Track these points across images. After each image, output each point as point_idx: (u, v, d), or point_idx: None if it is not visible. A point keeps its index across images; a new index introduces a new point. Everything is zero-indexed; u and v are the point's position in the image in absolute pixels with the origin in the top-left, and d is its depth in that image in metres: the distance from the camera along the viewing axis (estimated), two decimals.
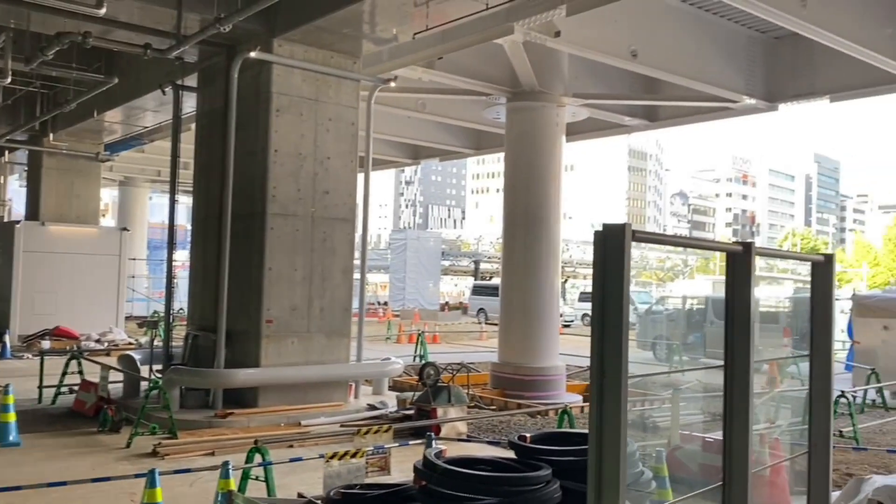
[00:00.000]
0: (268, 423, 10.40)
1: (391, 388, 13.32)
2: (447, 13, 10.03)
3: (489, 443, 8.53)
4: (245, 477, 6.32)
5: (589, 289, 40.85)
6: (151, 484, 5.26)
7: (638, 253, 65.32)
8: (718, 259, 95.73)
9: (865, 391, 13.20)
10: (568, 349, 17.04)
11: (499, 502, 4.86)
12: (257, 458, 6.37)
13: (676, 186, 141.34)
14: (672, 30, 12.66)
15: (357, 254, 12.64)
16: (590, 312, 32.23)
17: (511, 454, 8.00)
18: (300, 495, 5.65)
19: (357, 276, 12.89)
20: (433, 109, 17.25)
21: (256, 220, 11.18)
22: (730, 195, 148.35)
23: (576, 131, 17.17)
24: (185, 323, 13.73)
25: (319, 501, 5.72)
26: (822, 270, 5.45)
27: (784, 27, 11.52)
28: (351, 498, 5.52)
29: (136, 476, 5.55)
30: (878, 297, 15.88)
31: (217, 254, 11.42)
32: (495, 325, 34.72)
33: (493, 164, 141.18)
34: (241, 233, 11.35)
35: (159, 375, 11.50)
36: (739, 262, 4.52)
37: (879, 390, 13.43)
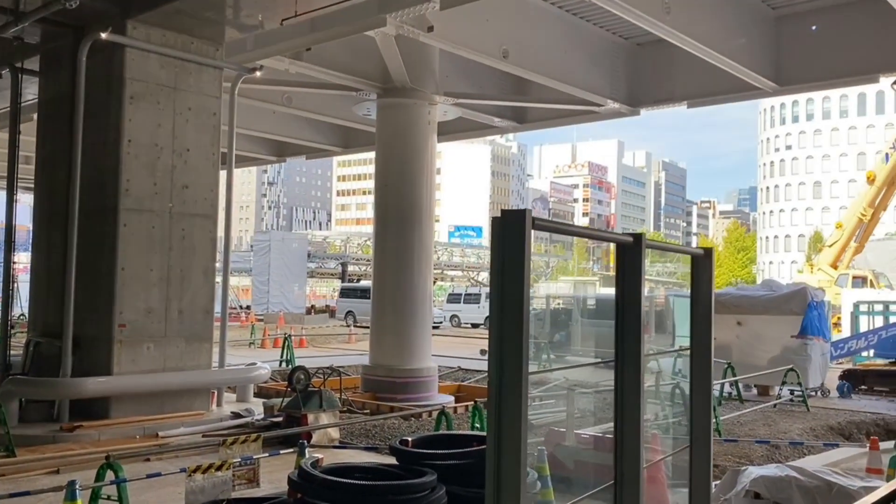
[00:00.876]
0: (121, 435, 9.58)
1: (257, 395, 12.68)
2: (317, 1, 9.62)
3: (366, 448, 8.15)
4: (95, 497, 5.67)
5: (457, 290, 41.19)
6: None
7: None
8: (576, 260, 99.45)
9: (722, 385, 13.81)
10: (438, 350, 16.92)
11: None
12: (109, 476, 5.73)
13: (537, 192, 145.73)
14: (543, 32, 12.77)
15: (219, 254, 11.93)
16: (458, 314, 32.58)
17: (391, 460, 7.71)
18: None
19: (219, 277, 12.19)
20: (300, 104, 16.65)
21: (108, 217, 10.30)
22: (587, 200, 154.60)
23: (446, 131, 17.08)
24: (25, 330, 12.53)
25: None
26: (703, 264, 5.47)
27: (648, 33, 11.87)
28: None
29: None
30: (732, 294, 16.72)
31: (63, 253, 10.43)
32: (365, 327, 34.44)
33: (359, 166, 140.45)
34: (91, 230, 10.42)
35: None
36: (630, 253, 4.41)
37: (735, 384, 14.09)
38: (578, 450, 7.30)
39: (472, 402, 8.97)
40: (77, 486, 5.12)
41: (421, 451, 5.40)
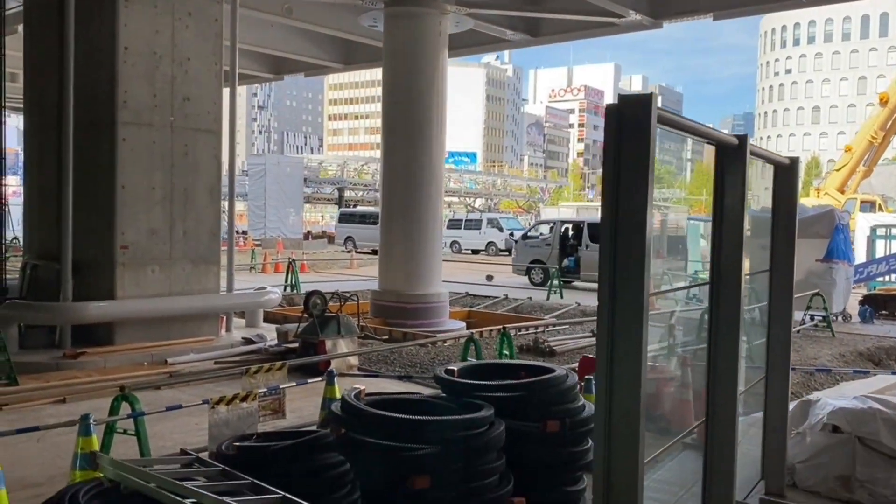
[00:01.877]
0: (128, 362, 9.08)
1: (265, 321, 12.19)
2: None
3: (398, 378, 7.66)
4: (110, 431, 5.17)
5: (457, 216, 40.53)
6: None
7: (499, 180, 65.79)
8: (572, 188, 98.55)
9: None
10: (444, 276, 16.42)
11: (436, 451, 4.04)
12: (124, 408, 5.22)
13: (533, 117, 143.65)
14: None
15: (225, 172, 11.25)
16: (459, 240, 31.98)
17: (424, 390, 7.22)
18: (183, 451, 4.62)
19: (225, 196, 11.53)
20: (301, 15, 15.64)
21: (104, 131, 9.56)
22: (582, 126, 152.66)
23: (456, 45, 16.12)
24: (20, 254, 11.91)
25: (208, 457, 4.69)
26: (786, 174, 4.88)
27: None
28: (251, 452, 4.53)
29: None
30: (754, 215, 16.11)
31: (58, 171, 9.72)
32: (365, 253, 33.99)
33: (351, 90, 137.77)
34: (86, 146, 9.69)
35: None
36: (732, 157, 3.80)
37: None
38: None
39: (500, 329, 8.48)
40: (91, 421, 4.60)
41: (472, 381, 4.88)
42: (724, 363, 3.79)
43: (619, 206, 2.71)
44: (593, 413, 5.02)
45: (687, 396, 3.90)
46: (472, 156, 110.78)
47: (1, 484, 4.10)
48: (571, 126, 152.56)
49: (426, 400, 4.76)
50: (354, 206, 48.51)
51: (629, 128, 2.64)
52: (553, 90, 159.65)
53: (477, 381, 4.88)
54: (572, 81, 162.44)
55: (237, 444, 4.72)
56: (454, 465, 4.01)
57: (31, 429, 4.80)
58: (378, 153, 19.06)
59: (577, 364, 8.71)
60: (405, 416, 4.10)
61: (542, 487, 4.70)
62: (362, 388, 4.69)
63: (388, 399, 4.62)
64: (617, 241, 2.70)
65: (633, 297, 2.67)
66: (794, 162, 4.85)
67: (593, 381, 6.17)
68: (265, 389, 5.69)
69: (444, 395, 4.90)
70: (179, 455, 4.54)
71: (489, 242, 37.07)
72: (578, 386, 5.08)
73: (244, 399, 5.48)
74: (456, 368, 5.16)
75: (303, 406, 7.15)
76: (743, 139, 3.74)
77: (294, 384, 6.11)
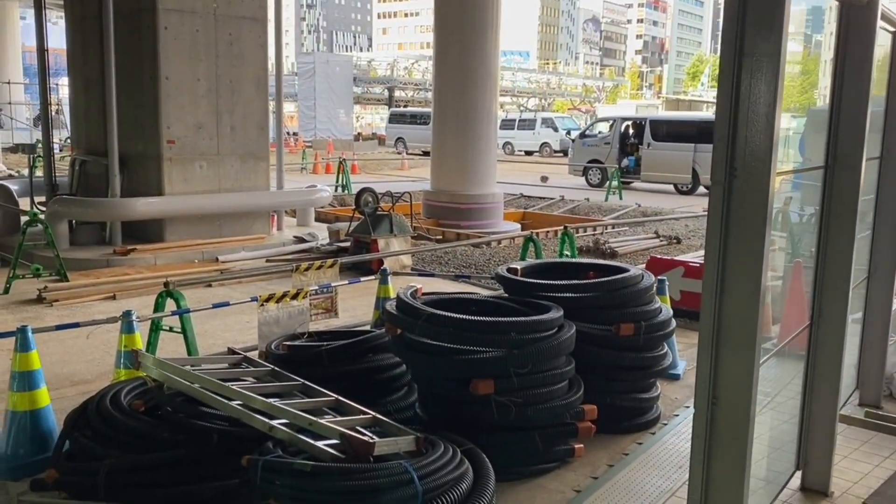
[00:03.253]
0: (179, 259, 8.93)
1: (317, 220, 11.93)
2: None
3: (455, 277, 7.28)
4: (156, 329, 4.94)
5: (510, 117, 39.41)
6: (24, 347, 3.81)
7: (553, 78, 63.74)
8: (629, 87, 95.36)
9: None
10: (497, 176, 15.88)
11: (501, 354, 3.68)
12: (169, 305, 4.97)
13: (589, 12, 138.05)
14: None
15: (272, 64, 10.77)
16: (512, 141, 31.06)
17: (482, 291, 6.86)
18: (231, 350, 4.37)
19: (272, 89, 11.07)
20: None
21: (145, 18, 9.12)
22: (641, 21, 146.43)
23: None
24: (71, 152, 11.74)
25: (257, 356, 4.44)
26: None
27: None
28: (302, 352, 4.25)
29: (6, 335, 4.09)
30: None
31: (101, 62, 9.37)
32: (416, 154, 33.43)
33: None
34: (128, 35, 9.28)
35: (42, 208, 9.72)
36: (857, 18, 3.19)
37: None
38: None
39: (562, 228, 8.01)
40: (134, 318, 4.35)
41: (538, 281, 4.48)
42: (835, 259, 3.31)
43: (741, 88, 2.20)
44: (670, 315, 4.63)
45: (797, 297, 3.45)
46: (526, 54, 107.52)
47: (41, 382, 3.90)
48: (629, 22, 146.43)
49: (488, 300, 4.38)
50: (405, 106, 47.58)
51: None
52: None
53: (544, 281, 4.48)
54: None
55: (287, 343, 4.46)
56: (520, 369, 3.65)
57: (72, 325, 4.57)
58: (429, 52, 18.28)
59: (643, 265, 8.27)
60: (467, 318, 3.73)
61: (614, 394, 4.34)
62: (419, 286, 4.33)
63: (448, 299, 4.26)
64: (737, 126, 2.21)
65: (756, 176, 2.18)
66: None
67: (666, 282, 5.73)
68: (317, 287, 5.39)
69: (506, 295, 4.52)
70: (227, 354, 4.29)
71: (543, 143, 35.99)
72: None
73: (294, 297, 5.20)
74: (519, 267, 4.76)
75: (356, 305, 6.89)
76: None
77: (346, 283, 5.80)
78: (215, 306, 5.21)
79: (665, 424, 4.57)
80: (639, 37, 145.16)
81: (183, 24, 9.17)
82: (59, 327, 4.49)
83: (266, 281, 7.94)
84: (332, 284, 5.47)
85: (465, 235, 11.89)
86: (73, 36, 10.47)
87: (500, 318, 3.81)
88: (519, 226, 13.99)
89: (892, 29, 3.96)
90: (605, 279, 4.47)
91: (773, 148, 2.26)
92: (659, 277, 5.64)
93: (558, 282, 4.49)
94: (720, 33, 2.28)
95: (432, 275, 7.16)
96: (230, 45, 9.59)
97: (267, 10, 10.09)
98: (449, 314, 3.74)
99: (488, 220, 13.38)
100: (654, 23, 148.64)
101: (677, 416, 4.73)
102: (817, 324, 3.39)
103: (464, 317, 3.74)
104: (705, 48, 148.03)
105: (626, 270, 4.60)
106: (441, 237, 11.56)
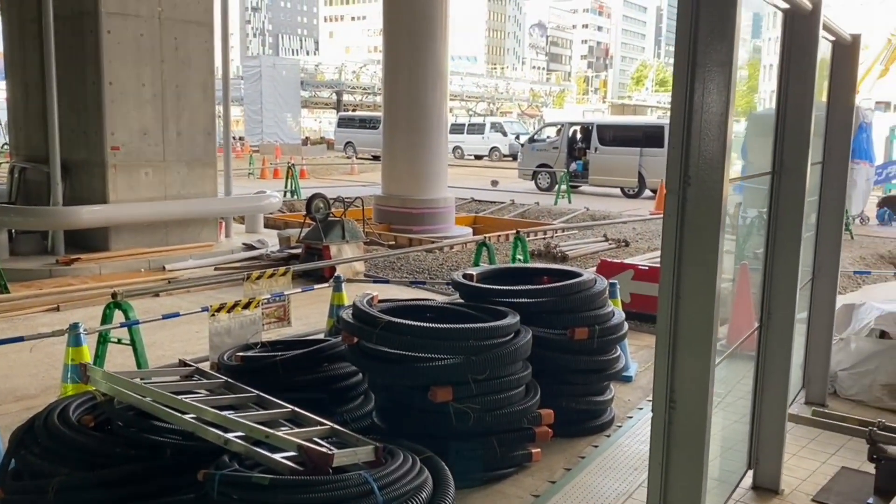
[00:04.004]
0: (125, 269, 8.73)
1: (266, 227, 11.79)
2: None
3: (410, 283, 7.25)
4: (103, 341, 4.82)
5: (459, 121, 39.49)
6: None
7: (502, 83, 64.15)
8: (576, 91, 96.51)
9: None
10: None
11: (459, 361, 3.68)
12: (117, 317, 4.85)
13: (535, 17, 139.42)
14: None
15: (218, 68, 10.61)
16: (461, 145, 31.11)
17: (437, 297, 6.86)
18: (182, 362, 4.28)
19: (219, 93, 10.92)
20: None
21: (87, 22, 8.90)
22: (586, 27, 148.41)
23: None
24: (10, 159, 11.39)
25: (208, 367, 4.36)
26: (846, 54, 4.34)
27: None
28: (256, 363, 4.19)
29: None
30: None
31: (41, 67, 9.13)
32: (365, 159, 33.25)
33: None
34: (70, 39, 9.06)
35: None
36: (801, 28, 3.28)
37: None
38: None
39: (515, 233, 8.06)
40: (81, 331, 4.23)
41: (494, 287, 4.50)
42: (783, 262, 3.39)
43: (694, 98, 2.25)
44: (622, 319, 4.69)
45: (743, 299, 3.53)
46: (474, 59, 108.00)
47: None
48: (575, 27, 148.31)
49: (445, 306, 4.39)
50: (353, 110, 47.34)
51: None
52: None
53: (499, 287, 4.50)
54: None
55: (240, 353, 4.39)
56: (479, 375, 3.66)
57: (16, 339, 4.43)
58: (376, 56, 18.18)
59: (594, 269, 8.37)
60: (425, 325, 3.72)
61: (569, 398, 4.38)
62: (374, 294, 4.31)
63: (404, 306, 4.25)
64: (691, 135, 2.25)
65: (709, 183, 2.23)
66: (857, 40, 4.31)
67: (617, 286, 5.81)
68: (269, 296, 5.33)
69: (462, 301, 4.53)
70: (179, 367, 4.20)
71: (493, 147, 36.18)
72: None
73: (246, 306, 5.12)
74: (475, 273, 4.77)
75: (309, 314, 6.82)
76: (817, 4, 3.21)
77: (300, 290, 5.74)
78: (165, 317, 5.11)
79: (619, 427, 4.63)
80: (584, 42, 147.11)
81: (127, 28, 8.99)
82: (1, 342, 4.34)
83: (216, 290, 7.81)
84: (285, 293, 5.41)
85: (417, 240, 11.88)
86: (11, 39, 10.17)
87: (457, 325, 3.81)
88: (471, 230, 14.04)
89: (831, 38, 4.08)
90: (560, 284, 4.51)
91: (725, 156, 2.31)
92: (610, 281, 5.72)
93: (513, 287, 4.51)
94: (674, 45, 2.32)
95: (387, 281, 7.13)
96: (176, 49, 9.43)
97: (213, 14, 9.95)
98: (406, 322, 3.73)
99: (440, 224, 13.40)
100: (599, 28, 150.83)
101: (631, 417, 4.80)
102: (766, 326, 3.47)
103: (421, 324, 3.74)
104: (648, 54, 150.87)
105: (579, 275, 4.65)
106: (393, 242, 11.53)
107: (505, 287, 4.52)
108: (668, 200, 2.32)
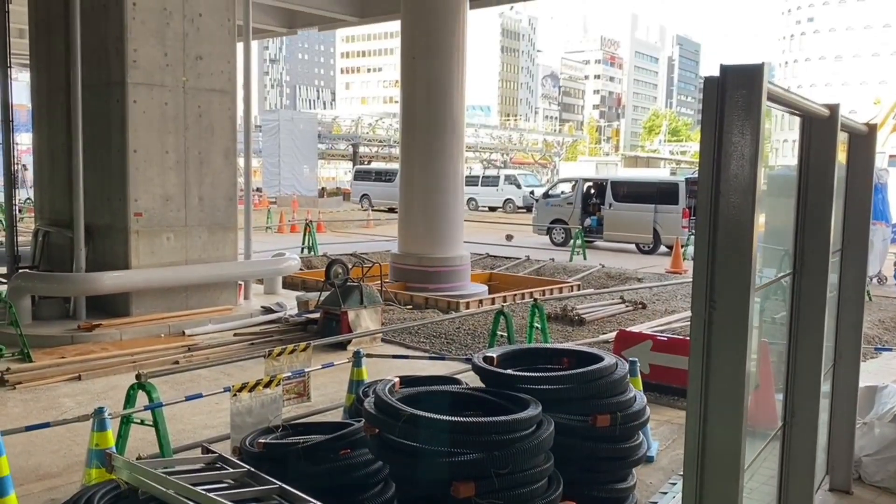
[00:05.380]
0: (145, 334, 8.80)
1: (284, 286, 11.87)
2: None
3: (430, 357, 7.28)
4: (126, 422, 4.85)
5: (474, 173, 39.86)
6: None
7: (506, 133, 64.66)
8: (588, 141, 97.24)
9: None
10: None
11: (482, 456, 3.69)
12: (141, 396, 4.89)
13: (548, 68, 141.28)
14: None
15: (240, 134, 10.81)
16: (476, 197, 31.36)
17: (456, 367, 6.86)
18: (206, 449, 4.30)
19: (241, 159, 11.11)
20: None
21: (114, 92, 9.13)
22: (598, 77, 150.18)
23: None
24: (32, 215, 11.56)
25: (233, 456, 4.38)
26: (863, 143, 4.40)
27: None
28: (277, 450, 4.20)
29: None
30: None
31: (67, 133, 9.35)
32: (381, 211, 33.55)
33: (364, 42, 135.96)
34: (97, 108, 9.28)
35: (3, 281, 9.56)
36: (820, 131, 3.34)
37: None
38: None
39: (532, 300, 8.08)
40: (106, 415, 4.27)
41: (516, 373, 4.52)
42: (806, 358, 3.40)
43: (721, 183, 2.29)
44: (644, 404, 4.68)
45: (771, 393, 3.52)
46: (487, 109, 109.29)
47: (10, 488, 3.80)
48: (587, 78, 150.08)
49: (466, 392, 4.40)
50: (369, 162, 47.83)
51: (733, 104, 2.21)
52: (568, 40, 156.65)
53: (521, 373, 4.52)
54: (587, 31, 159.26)
55: (262, 440, 4.40)
56: (501, 470, 3.66)
57: (42, 425, 4.47)
58: (392, 108, 18.48)
59: (612, 335, 8.36)
60: (447, 418, 3.73)
61: (591, 486, 4.35)
62: (396, 379, 4.33)
63: (426, 392, 4.26)
64: (717, 234, 2.29)
65: (737, 294, 2.27)
66: (873, 129, 4.37)
67: (637, 364, 5.80)
68: (290, 374, 5.36)
69: (483, 386, 4.54)
70: (203, 455, 4.22)
71: (507, 199, 36.45)
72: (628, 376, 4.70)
73: (267, 385, 5.16)
74: (495, 356, 4.79)
75: (326, 383, 6.84)
76: (834, 110, 3.28)
77: (320, 367, 5.76)
78: (188, 398, 5.14)
79: None
80: (596, 92, 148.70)
81: (152, 97, 9.21)
82: (28, 428, 4.39)
83: (232, 354, 7.85)
84: (305, 370, 5.45)
85: (433, 299, 11.93)
86: (39, 106, 10.44)
87: (479, 420, 3.82)
88: (486, 288, 14.06)
89: (847, 132, 4.14)
90: (581, 370, 4.51)
91: (752, 271, 2.35)
92: (630, 359, 5.73)
93: (535, 374, 4.52)
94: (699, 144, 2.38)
95: (406, 357, 7.17)
96: (199, 117, 9.64)
97: (236, 83, 10.18)
98: (428, 415, 3.74)
99: (456, 282, 13.44)
100: (611, 78, 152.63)
101: (654, 503, 4.75)
102: (790, 424, 3.47)
103: (443, 417, 3.75)
104: (660, 103, 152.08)
105: (600, 359, 4.65)
106: (410, 304, 11.57)
107: (526, 374, 4.53)
108: (693, 323, 2.35)
